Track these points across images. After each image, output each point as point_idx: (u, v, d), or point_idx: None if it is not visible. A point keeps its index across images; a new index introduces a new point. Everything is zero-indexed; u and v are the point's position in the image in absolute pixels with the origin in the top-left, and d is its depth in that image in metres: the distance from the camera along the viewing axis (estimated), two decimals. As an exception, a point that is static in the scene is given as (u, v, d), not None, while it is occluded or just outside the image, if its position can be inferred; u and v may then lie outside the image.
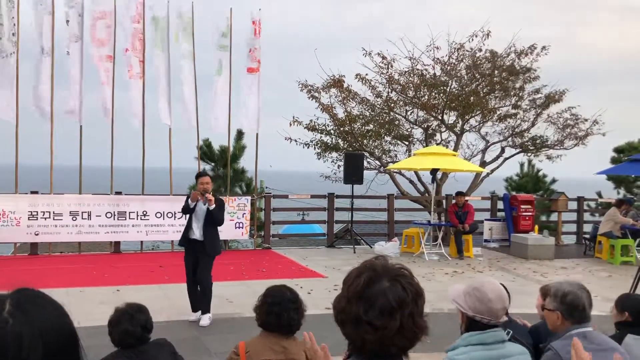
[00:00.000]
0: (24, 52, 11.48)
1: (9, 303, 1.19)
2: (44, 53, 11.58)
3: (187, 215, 7.48)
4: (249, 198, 13.19)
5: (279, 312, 3.17)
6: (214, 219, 7.18)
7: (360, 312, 1.57)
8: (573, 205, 16.10)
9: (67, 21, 11.70)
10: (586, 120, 17.58)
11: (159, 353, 3.29)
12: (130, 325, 3.20)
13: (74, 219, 11.65)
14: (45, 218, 11.46)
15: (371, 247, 13.51)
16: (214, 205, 7.13)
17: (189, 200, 7.27)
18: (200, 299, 7.28)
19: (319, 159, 17.61)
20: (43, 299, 1.24)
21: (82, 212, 11.71)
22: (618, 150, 19.02)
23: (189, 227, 7.32)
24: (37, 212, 11.41)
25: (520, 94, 17.60)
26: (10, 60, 11.33)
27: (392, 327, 1.54)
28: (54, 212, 11.52)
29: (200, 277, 7.22)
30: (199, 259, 7.23)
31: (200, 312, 7.28)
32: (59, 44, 11.75)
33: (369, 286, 1.59)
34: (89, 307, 7.60)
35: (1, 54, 11.26)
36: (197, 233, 7.22)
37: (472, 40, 17.17)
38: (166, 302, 8.16)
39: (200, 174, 7.57)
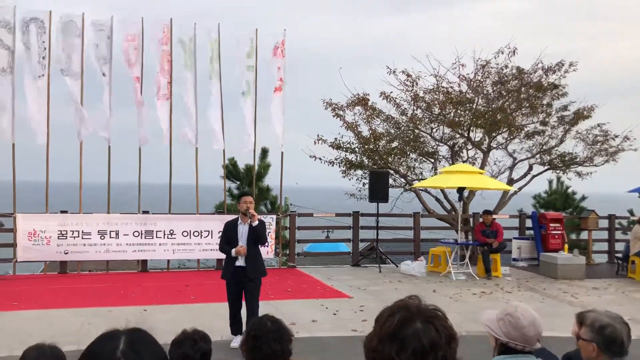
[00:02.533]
0: (55, 74, 11.78)
1: (123, 342, 1.28)
2: (74, 75, 11.85)
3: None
4: (274, 216, 13.21)
5: (260, 346, 3.13)
6: (258, 235, 7.08)
7: (393, 353, 1.55)
8: (604, 223, 15.75)
9: (96, 45, 11.97)
10: (616, 136, 17.26)
11: None
12: (191, 350, 3.24)
13: (102, 238, 11.82)
14: (75, 237, 11.64)
15: (397, 266, 13.38)
16: (257, 222, 7.07)
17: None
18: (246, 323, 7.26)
19: (343, 177, 17.60)
20: (153, 344, 1.32)
21: (110, 231, 11.88)
22: (650, 166, 18.62)
23: (233, 257, 7.19)
24: (66, 231, 11.60)
25: (548, 111, 17.38)
26: (39, 82, 11.61)
27: (424, 369, 1.51)
28: (82, 231, 11.70)
29: (248, 306, 7.12)
30: (244, 286, 7.14)
31: (240, 336, 7.19)
32: (87, 67, 12.01)
33: (402, 327, 1.56)
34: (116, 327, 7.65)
35: (31, 76, 11.56)
36: (241, 260, 7.13)
37: (498, 56, 17.08)
38: (192, 323, 8.12)
39: (243, 193, 7.54)
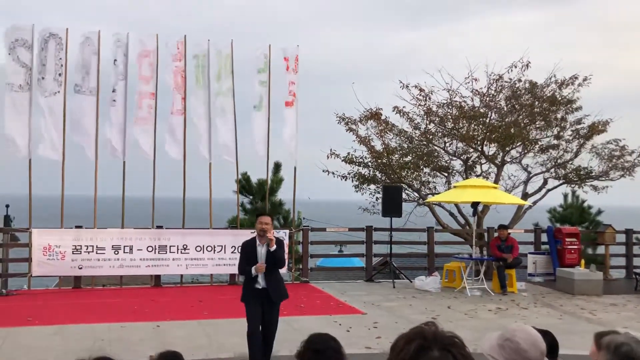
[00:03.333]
0: (71, 90, 11.93)
1: None
2: (89, 91, 12.00)
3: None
4: (287, 231, 13.19)
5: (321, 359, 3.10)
6: (276, 260, 6.70)
7: None
8: (621, 237, 15.53)
9: (115, 60, 12.12)
10: (633, 151, 17.07)
11: None
12: None
13: (116, 252, 11.85)
14: (89, 252, 11.69)
15: (411, 282, 13.27)
16: (275, 247, 6.66)
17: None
18: (264, 352, 6.74)
19: (356, 191, 17.56)
20: None
21: (124, 246, 11.91)
22: (667, 180, 18.33)
23: (251, 278, 6.77)
24: (80, 246, 11.66)
25: (562, 125, 17.25)
26: (56, 99, 11.76)
27: (441, 399, 1.48)
28: (97, 246, 11.75)
29: (268, 329, 6.79)
30: (266, 309, 6.77)
31: None
32: (104, 83, 12.16)
33: (418, 355, 1.53)
34: (128, 345, 7.65)
35: (45, 93, 11.71)
36: (261, 282, 6.75)
37: (511, 71, 17.01)
38: (204, 339, 8.15)
39: (260, 213, 7.10)
